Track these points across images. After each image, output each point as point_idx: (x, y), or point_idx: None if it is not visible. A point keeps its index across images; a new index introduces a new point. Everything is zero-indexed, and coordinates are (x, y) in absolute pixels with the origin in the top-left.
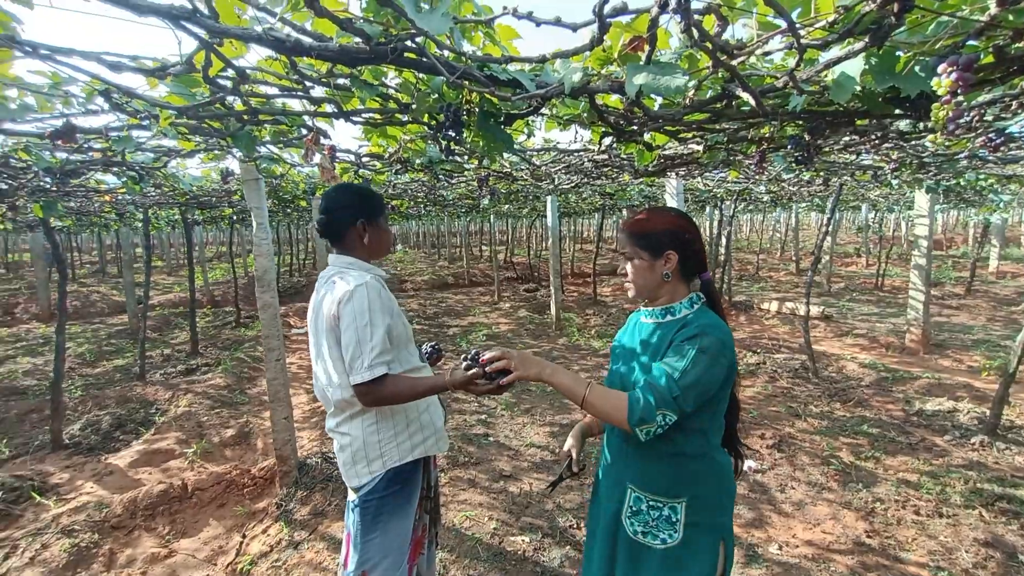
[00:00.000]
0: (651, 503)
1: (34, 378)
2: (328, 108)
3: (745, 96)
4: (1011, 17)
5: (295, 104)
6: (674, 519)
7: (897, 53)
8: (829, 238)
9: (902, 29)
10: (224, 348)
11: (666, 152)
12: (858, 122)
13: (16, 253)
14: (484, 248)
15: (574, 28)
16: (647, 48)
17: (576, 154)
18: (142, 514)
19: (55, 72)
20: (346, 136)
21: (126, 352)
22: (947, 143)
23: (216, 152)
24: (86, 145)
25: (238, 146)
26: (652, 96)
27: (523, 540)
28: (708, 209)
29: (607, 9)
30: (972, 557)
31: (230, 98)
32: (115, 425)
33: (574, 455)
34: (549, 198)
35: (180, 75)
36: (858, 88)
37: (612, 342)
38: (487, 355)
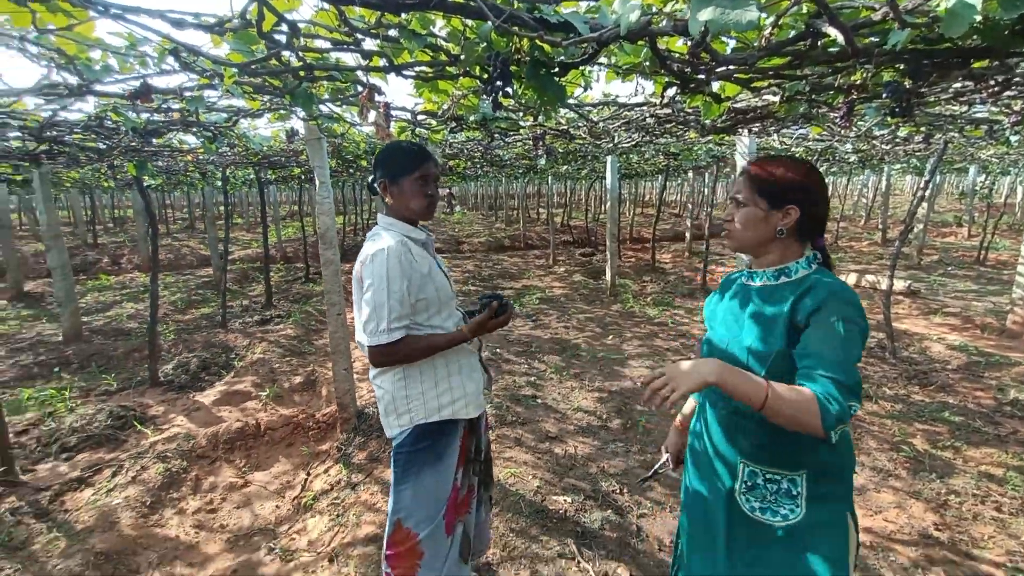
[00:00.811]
0: (768, 475)
1: (136, 321)
2: (380, 62)
3: (833, 32)
4: None
5: (348, 59)
6: (795, 492)
7: None
8: (925, 204)
9: None
10: (294, 301)
11: (737, 105)
12: (975, 64)
13: (121, 209)
14: (541, 211)
15: None
16: None
17: (637, 108)
18: (223, 447)
19: (130, 32)
20: (401, 94)
21: (211, 302)
22: None
23: (281, 112)
24: (164, 105)
25: (297, 103)
26: (722, 38)
27: (565, 500)
28: None
29: None
30: None
31: (286, 54)
32: (201, 367)
33: (670, 454)
34: (609, 158)
35: (237, 31)
36: (978, 18)
37: (706, 303)
38: (643, 380)
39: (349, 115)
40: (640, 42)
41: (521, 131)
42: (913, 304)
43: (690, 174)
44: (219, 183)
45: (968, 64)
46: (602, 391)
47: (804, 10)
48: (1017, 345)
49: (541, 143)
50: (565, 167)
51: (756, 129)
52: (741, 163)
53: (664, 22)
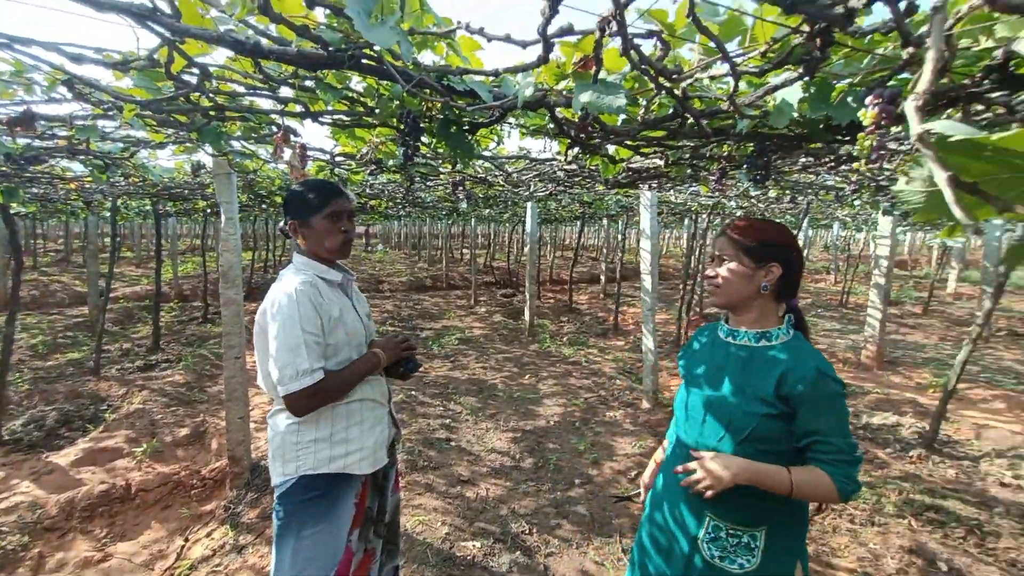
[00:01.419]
0: (731, 531)
1: None
2: (297, 108)
3: (691, 116)
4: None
5: (264, 102)
6: (753, 546)
7: (833, 83)
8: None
9: (837, 61)
10: (188, 344)
11: (633, 165)
12: (811, 145)
13: None
14: (465, 251)
15: (523, 45)
16: (594, 68)
17: (548, 163)
18: (79, 515)
19: (18, 60)
20: (319, 135)
21: (83, 345)
22: (873, 171)
23: (187, 144)
24: (49, 132)
25: (204, 141)
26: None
27: (474, 545)
28: (686, 221)
29: (551, 30)
30: (896, 563)
31: (196, 93)
32: (61, 421)
33: (644, 487)
34: (529, 204)
35: (144, 69)
36: (795, 115)
37: (680, 356)
38: (681, 470)
39: (264, 152)
40: (541, 110)
41: (441, 176)
42: None
43: (604, 221)
44: (107, 213)
45: (803, 145)
46: (516, 431)
47: (669, 96)
48: (869, 376)
49: (461, 188)
50: (488, 210)
51: (654, 185)
52: (645, 214)
53: (557, 97)
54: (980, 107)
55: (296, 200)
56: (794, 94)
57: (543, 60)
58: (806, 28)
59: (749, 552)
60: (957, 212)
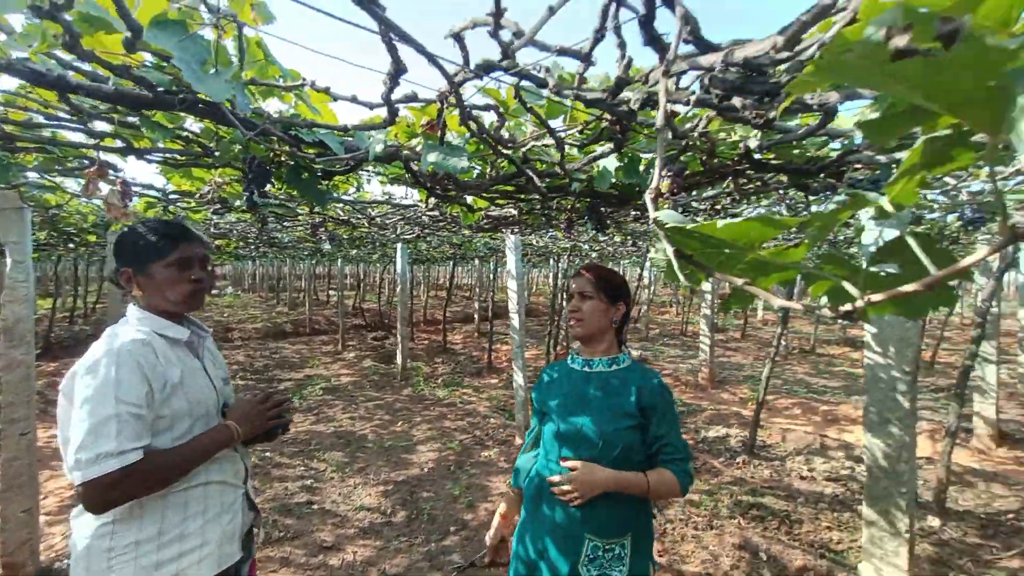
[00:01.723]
0: (606, 547)
1: None
2: (116, 142)
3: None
4: (699, 143)
5: (73, 134)
6: (623, 554)
7: (640, 156)
8: (646, 290)
9: (640, 140)
10: None
11: (491, 213)
12: (636, 202)
13: None
14: (332, 292)
15: (371, 107)
16: (439, 131)
17: (411, 208)
18: None
19: None
20: (148, 170)
21: None
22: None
23: None
24: None
25: None
26: None
27: None
28: (551, 261)
29: (396, 96)
30: (730, 560)
31: None
32: None
33: (489, 547)
34: (398, 245)
35: None
36: (614, 180)
37: (534, 393)
38: (554, 480)
39: (74, 183)
40: (395, 163)
41: (300, 217)
42: None
43: (476, 261)
44: None
45: (629, 201)
46: (388, 483)
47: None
48: (705, 395)
49: (323, 229)
50: (355, 250)
51: (516, 230)
52: (511, 256)
53: (408, 152)
54: (743, 180)
55: (129, 245)
56: (611, 164)
57: (389, 122)
58: (609, 116)
59: (620, 562)
60: (680, 276)
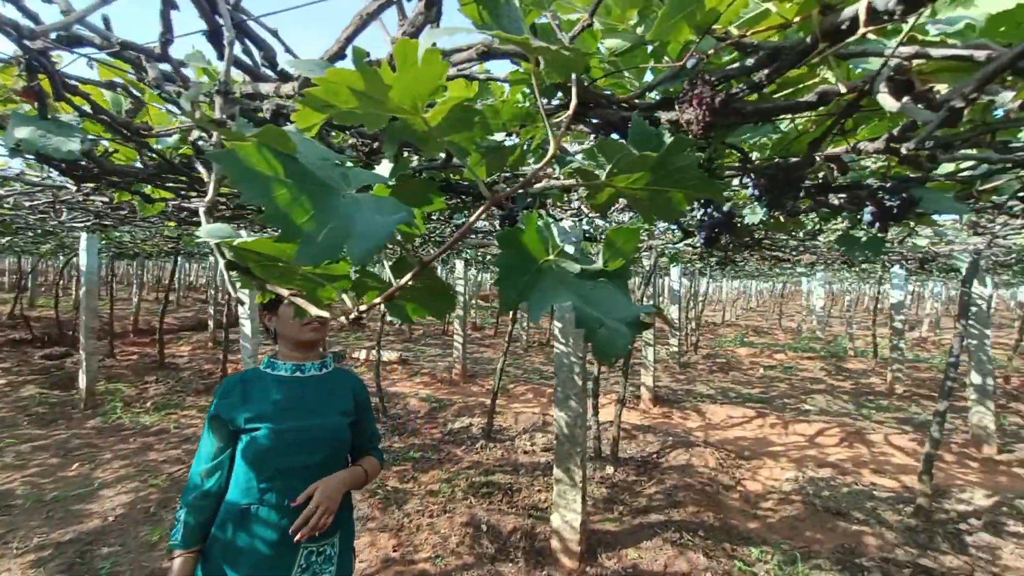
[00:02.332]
0: (319, 551)
1: None
2: None
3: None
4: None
5: None
6: (332, 554)
7: None
8: None
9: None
10: None
11: (186, 205)
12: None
13: None
14: None
15: None
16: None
17: (61, 190)
18: None
19: None
20: None
21: None
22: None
23: None
24: None
25: None
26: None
27: None
28: None
29: None
30: (457, 538)
31: None
32: None
33: None
34: (84, 234)
35: None
36: None
37: (218, 410)
38: (304, 517)
39: None
40: None
41: None
42: (404, 370)
43: (212, 258)
44: None
45: None
46: (46, 547)
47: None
48: (458, 390)
49: None
50: (7, 238)
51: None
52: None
53: None
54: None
55: None
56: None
57: None
58: None
59: (330, 563)
60: (229, 286)
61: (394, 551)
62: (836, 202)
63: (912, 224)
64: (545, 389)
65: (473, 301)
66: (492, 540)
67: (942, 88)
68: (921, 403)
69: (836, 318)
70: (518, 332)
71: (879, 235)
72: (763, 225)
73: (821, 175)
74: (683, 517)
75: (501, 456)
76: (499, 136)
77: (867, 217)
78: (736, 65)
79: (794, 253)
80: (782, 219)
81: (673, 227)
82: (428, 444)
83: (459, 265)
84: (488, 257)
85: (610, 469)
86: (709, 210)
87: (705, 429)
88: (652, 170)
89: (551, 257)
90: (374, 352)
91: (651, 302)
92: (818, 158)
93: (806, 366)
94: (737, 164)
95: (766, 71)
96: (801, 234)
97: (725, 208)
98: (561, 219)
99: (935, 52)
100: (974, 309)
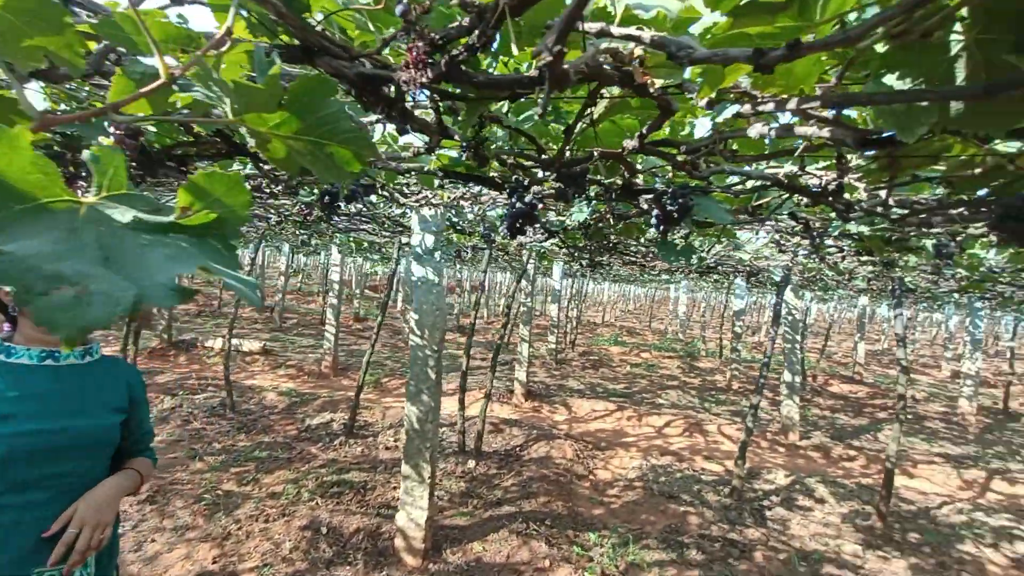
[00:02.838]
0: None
1: None
2: None
3: None
4: None
5: None
6: (87, 573)
7: None
8: (281, 278)
9: None
10: None
11: None
12: None
13: None
14: None
15: None
16: None
17: None
18: None
19: None
20: None
21: None
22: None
23: None
24: None
25: None
26: None
27: None
28: None
29: None
30: (292, 543)
31: None
32: None
33: None
34: None
35: None
36: None
37: None
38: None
39: None
40: None
41: None
42: (267, 361)
43: None
44: None
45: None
46: None
47: None
48: (326, 383)
49: None
50: None
51: None
52: None
53: None
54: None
55: None
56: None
57: None
58: None
59: (84, 568)
60: None
61: (214, 562)
62: (645, 205)
63: (711, 232)
64: None
65: (359, 291)
66: (332, 543)
67: (658, 82)
68: (751, 397)
69: (697, 322)
70: (402, 324)
71: (692, 243)
72: (591, 227)
73: (620, 176)
74: (534, 507)
75: (361, 453)
76: (149, 61)
77: (653, 220)
78: (456, 24)
79: (647, 259)
80: (611, 221)
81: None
82: (279, 442)
83: (335, 251)
84: (369, 245)
85: (472, 463)
86: (514, 199)
87: (570, 422)
88: (297, 115)
89: (90, 199)
90: (232, 341)
91: (528, 300)
92: (595, 154)
93: (666, 364)
94: (535, 156)
95: (477, 32)
96: (644, 239)
97: (527, 199)
98: (420, 206)
99: (618, 31)
100: (789, 318)
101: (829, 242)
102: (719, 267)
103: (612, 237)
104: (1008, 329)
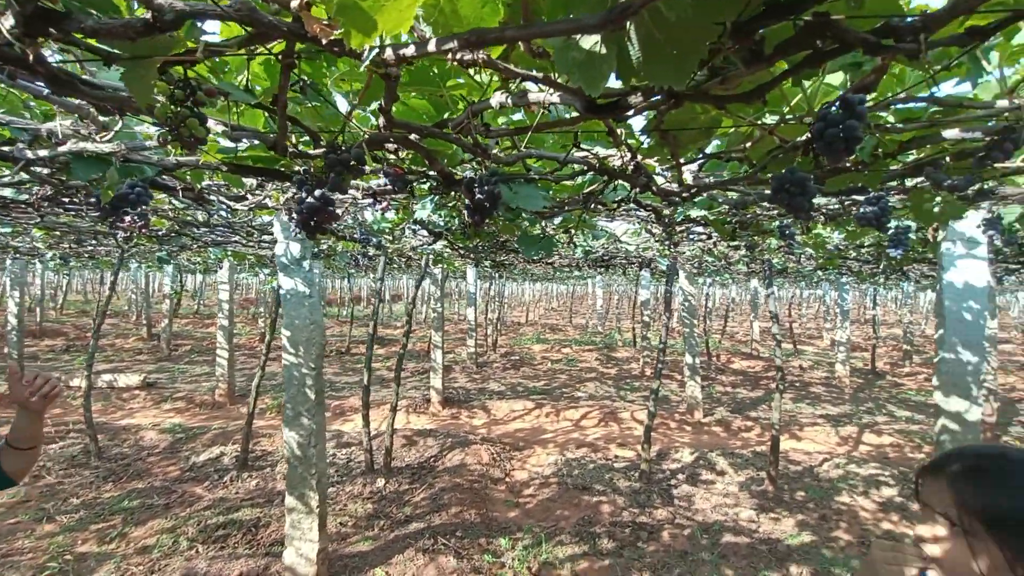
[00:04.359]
0: None
1: None
2: None
3: None
4: None
5: None
6: None
7: None
8: (167, 300)
9: None
10: None
11: None
12: None
13: None
14: None
15: None
16: None
17: None
18: None
19: None
20: None
21: None
22: None
23: None
24: None
25: None
26: None
27: None
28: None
29: None
30: None
31: None
32: None
33: None
34: None
35: None
36: None
37: None
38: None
39: None
40: None
41: None
42: (148, 396)
43: None
44: None
45: None
46: None
47: None
48: (221, 413)
49: None
50: None
51: None
52: None
53: None
54: None
55: None
56: None
57: None
58: None
59: None
60: None
61: None
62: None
63: (570, 222)
64: (330, 403)
65: (263, 310)
66: None
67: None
68: (652, 383)
69: (615, 314)
70: None
71: (551, 236)
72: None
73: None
74: (444, 520)
75: (255, 487)
76: None
77: (463, 210)
78: None
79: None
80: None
81: (416, 228)
82: (156, 487)
83: (225, 266)
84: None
85: (381, 482)
86: (303, 194)
87: (489, 425)
88: None
89: None
90: (104, 377)
91: (440, 305)
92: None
93: (585, 358)
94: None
95: None
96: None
97: (317, 192)
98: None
99: None
100: (687, 303)
101: (680, 229)
102: (612, 260)
103: (499, 236)
104: (871, 299)
